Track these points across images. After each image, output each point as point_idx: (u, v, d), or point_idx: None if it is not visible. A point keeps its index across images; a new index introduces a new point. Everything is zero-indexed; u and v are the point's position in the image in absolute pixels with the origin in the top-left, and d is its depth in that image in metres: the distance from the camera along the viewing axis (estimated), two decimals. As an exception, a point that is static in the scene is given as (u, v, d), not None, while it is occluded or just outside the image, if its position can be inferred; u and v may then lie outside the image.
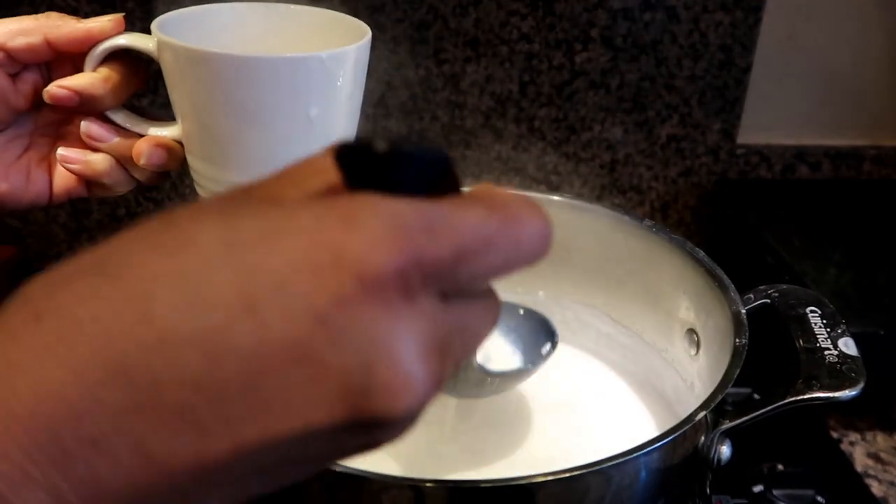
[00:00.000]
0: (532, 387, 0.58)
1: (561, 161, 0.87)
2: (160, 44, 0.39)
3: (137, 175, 0.45)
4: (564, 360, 0.61)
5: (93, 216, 0.90)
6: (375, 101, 0.83)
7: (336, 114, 0.42)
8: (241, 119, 0.40)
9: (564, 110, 0.84)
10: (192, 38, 0.42)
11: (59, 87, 0.42)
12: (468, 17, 0.80)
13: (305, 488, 0.37)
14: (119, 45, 0.42)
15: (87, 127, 0.44)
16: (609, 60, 0.82)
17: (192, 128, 0.42)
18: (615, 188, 0.88)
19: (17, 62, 0.42)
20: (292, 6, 0.46)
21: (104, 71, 0.43)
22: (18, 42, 0.41)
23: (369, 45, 0.43)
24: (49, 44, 0.42)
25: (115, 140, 0.44)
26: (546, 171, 0.87)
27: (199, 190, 0.44)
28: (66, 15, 0.43)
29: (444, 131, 0.85)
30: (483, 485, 0.35)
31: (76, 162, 0.44)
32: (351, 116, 0.44)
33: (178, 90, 0.41)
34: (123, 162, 0.44)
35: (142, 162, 0.43)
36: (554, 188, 0.88)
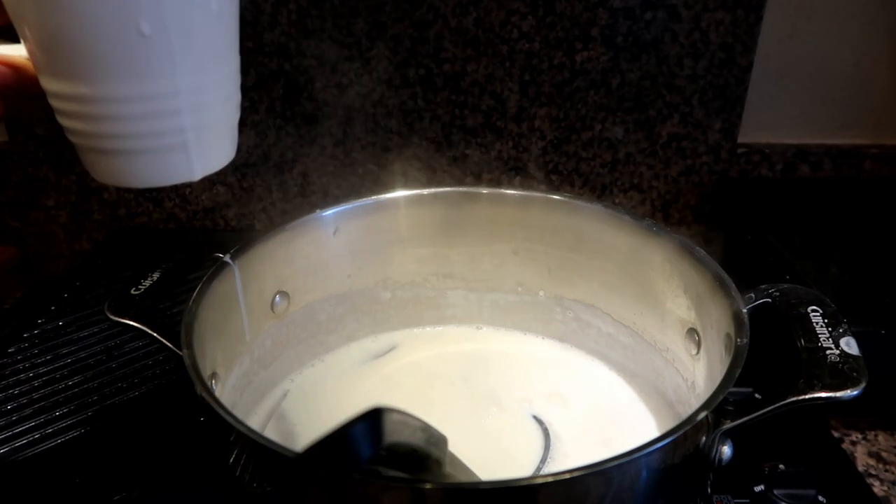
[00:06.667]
0: (533, 386, 0.58)
1: (562, 160, 0.87)
2: None
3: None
4: (565, 359, 0.61)
5: (93, 217, 0.90)
6: (376, 100, 0.83)
7: (187, 32, 0.37)
8: (67, 17, 0.36)
9: (565, 109, 0.84)
10: None
11: None
12: (468, 17, 0.79)
13: (304, 491, 0.37)
14: None
15: None
16: (610, 59, 0.81)
17: (31, 37, 0.38)
18: (616, 187, 0.88)
19: None
20: None
21: None
22: None
23: None
24: None
25: None
26: (547, 170, 0.87)
27: (57, 117, 0.41)
28: None
29: (445, 131, 0.85)
30: (483, 486, 0.35)
31: None
32: (219, 38, 0.39)
33: None
34: None
35: None
36: (555, 187, 0.88)
